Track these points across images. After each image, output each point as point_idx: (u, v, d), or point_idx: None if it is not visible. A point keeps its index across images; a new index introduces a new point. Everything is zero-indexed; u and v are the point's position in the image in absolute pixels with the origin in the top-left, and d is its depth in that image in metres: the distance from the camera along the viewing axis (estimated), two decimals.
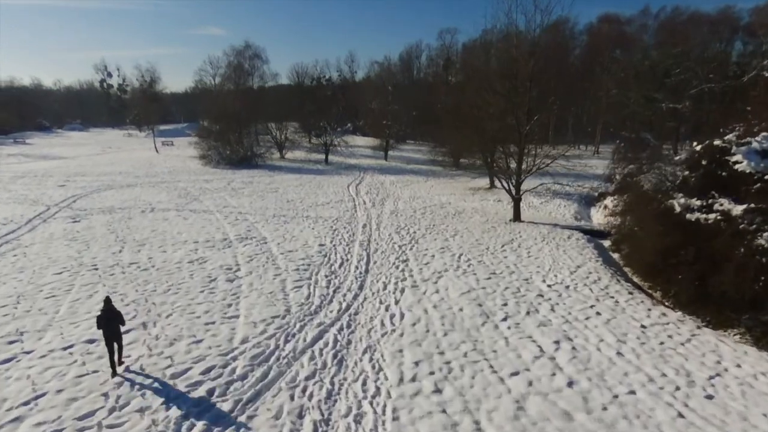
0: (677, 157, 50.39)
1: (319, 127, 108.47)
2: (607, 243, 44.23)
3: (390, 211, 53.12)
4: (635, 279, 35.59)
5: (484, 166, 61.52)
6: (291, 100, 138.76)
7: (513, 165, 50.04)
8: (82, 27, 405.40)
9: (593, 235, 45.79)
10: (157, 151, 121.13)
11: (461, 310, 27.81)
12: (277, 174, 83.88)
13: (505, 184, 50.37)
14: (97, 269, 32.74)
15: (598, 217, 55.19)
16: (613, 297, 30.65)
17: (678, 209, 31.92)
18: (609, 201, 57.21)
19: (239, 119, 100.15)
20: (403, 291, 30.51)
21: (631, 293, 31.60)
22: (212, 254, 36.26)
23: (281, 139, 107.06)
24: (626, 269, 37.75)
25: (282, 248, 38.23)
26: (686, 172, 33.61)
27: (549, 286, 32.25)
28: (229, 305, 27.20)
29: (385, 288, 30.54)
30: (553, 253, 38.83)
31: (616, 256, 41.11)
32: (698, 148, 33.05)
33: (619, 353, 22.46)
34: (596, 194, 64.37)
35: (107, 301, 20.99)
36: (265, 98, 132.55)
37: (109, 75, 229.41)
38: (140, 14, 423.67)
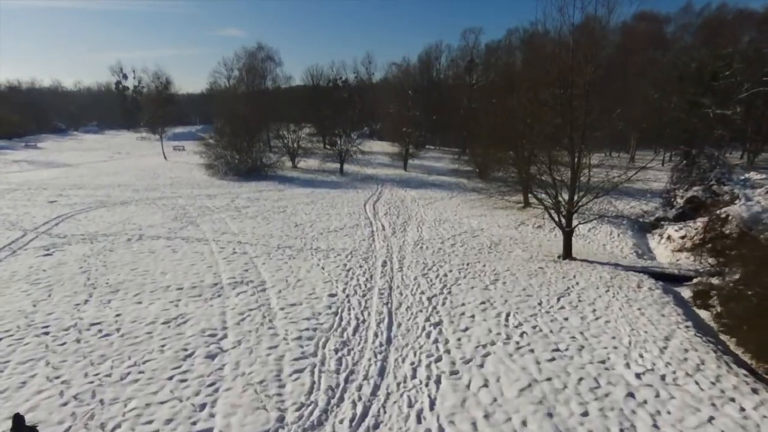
0: (753, 175, 43.69)
1: (335, 134, 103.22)
2: (685, 292, 35.47)
3: (414, 242, 45.35)
4: (743, 356, 26.21)
5: (518, 182, 53.55)
6: (305, 103, 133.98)
7: (560, 177, 41.63)
8: (103, 29, 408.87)
9: (665, 279, 37.00)
10: (165, 157, 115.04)
11: (525, 424, 19.11)
12: (288, 187, 77.23)
13: (555, 216, 41.85)
14: (47, 334, 25.40)
15: (662, 251, 46.25)
16: (733, 399, 20.96)
17: None
18: (673, 231, 47.95)
19: (248, 126, 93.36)
20: (438, 382, 21.82)
21: (755, 390, 21.60)
22: (196, 309, 28.86)
23: (293, 147, 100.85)
24: (723, 336, 28.69)
25: (283, 300, 30.60)
26: None
27: (638, 376, 22.79)
28: (202, 406, 19.54)
29: (414, 374, 22.36)
30: (626, 312, 30.01)
31: (704, 314, 32.02)
32: None
33: None
34: (652, 219, 54.79)
35: (17, 422, 15.38)
36: (278, 101, 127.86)
37: (125, 77, 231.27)
38: (159, 16, 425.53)
